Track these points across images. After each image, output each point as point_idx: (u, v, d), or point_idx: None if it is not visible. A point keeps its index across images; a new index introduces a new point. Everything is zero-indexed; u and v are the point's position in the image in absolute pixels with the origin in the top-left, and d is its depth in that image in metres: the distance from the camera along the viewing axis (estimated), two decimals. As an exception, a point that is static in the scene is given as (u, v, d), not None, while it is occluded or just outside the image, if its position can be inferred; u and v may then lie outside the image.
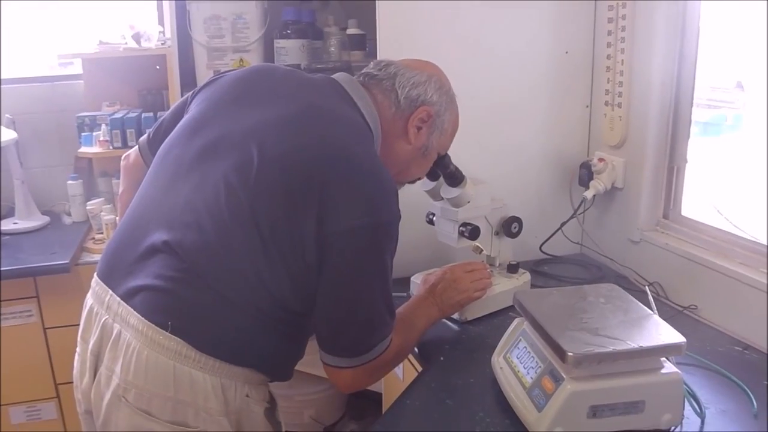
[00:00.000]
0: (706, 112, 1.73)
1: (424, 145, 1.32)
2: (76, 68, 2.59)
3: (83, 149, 2.42)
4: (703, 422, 1.14)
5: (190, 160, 1.18)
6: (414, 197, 1.53)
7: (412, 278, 1.66)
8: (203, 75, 2.14)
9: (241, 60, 2.15)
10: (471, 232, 1.54)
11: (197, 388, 1.09)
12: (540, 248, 1.93)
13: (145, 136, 1.41)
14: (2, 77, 2.53)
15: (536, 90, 1.87)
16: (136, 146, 1.42)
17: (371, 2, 1.70)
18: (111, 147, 2.38)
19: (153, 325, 1.08)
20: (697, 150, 1.67)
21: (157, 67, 2.51)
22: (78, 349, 1.23)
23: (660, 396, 1.07)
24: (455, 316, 1.53)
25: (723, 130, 1.82)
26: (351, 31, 2.21)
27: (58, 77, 2.62)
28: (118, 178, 1.50)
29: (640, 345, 1.05)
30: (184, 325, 1.08)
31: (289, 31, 2.16)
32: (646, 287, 1.47)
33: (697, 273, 1.56)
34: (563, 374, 1.06)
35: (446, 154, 1.42)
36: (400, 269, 1.37)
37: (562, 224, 1.91)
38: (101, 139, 2.39)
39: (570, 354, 1.02)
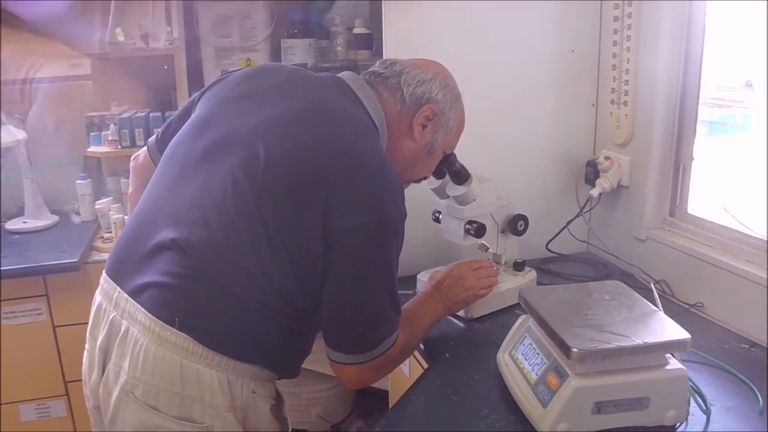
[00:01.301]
0: (715, 112, 1.72)
1: (429, 143, 1.33)
2: (85, 68, 2.60)
3: (92, 149, 2.44)
4: (708, 419, 1.14)
5: (197, 158, 1.19)
6: (420, 195, 1.54)
7: (418, 276, 1.66)
8: (211, 74, 2.16)
9: (249, 59, 2.17)
10: (477, 229, 1.55)
11: (204, 383, 1.09)
12: (546, 246, 1.93)
13: (153, 136, 1.42)
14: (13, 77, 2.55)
15: (542, 88, 1.87)
16: (145, 147, 1.43)
17: (378, 2, 1.71)
18: (119, 146, 2.40)
19: (160, 322, 1.09)
20: (705, 149, 1.66)
21: (165, 66, 2.51)
22: (87, 346, 1.24)
23: (665, 392, 1.07)
24: (461, 313, 1.54)
25: (731, 130, 1.81)
26: (357, 30, 2.22)
27: (67, 77, 2.63)
28: (127, 178, 1.51)
29: (645, 341, 1.05)
30: (190, 321, 1.09)
31: (296, 31, 2.17)
32: (652, 284, 1.47)
33: (703, 271, 1.56)
34: (568, 370, 1.06)
35: (452, 152, 1.42)
36: (406, 267, 1.38)
37: (569, 222, 1.91)
38: (110, 138, 2.40)
39: (575, 350, 1.02)
